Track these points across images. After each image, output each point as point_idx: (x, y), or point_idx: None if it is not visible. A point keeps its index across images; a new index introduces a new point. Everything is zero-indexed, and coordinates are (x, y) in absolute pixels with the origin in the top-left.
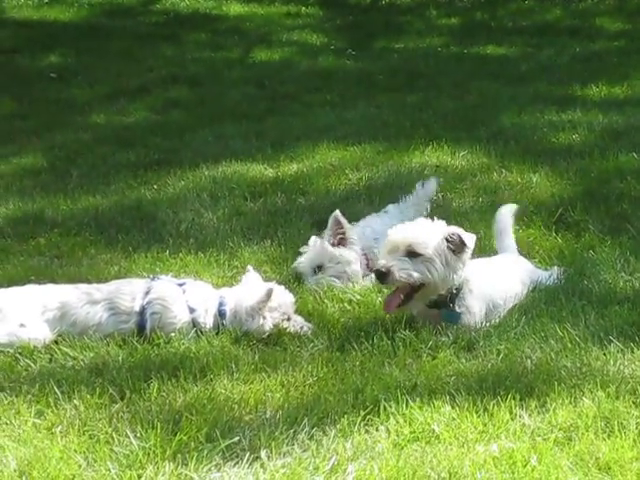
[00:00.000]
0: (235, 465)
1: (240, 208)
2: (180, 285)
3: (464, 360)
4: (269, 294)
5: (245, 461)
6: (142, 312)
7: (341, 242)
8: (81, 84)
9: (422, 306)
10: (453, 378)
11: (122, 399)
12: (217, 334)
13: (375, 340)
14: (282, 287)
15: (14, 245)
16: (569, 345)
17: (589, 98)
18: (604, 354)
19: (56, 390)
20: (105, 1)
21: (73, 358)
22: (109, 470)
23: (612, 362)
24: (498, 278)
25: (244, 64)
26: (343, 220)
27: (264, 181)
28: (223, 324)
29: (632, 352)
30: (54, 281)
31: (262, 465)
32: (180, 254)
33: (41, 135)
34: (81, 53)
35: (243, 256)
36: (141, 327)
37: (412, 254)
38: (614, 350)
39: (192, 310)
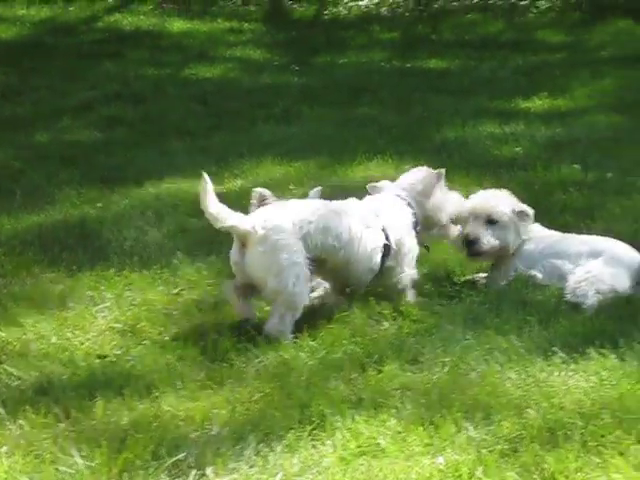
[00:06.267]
0: None
1: (184, 225)
2: None
3: (409, 373)
4: None
5: (191, 478)
6: None
7: None
8: (24, 102)
9: None
10: (399, 391)
11: (67, 418)
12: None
13: (320, 354)
14: None
15: None
16: (514, 357)
17: (531, 110)
18: (548, 365)
19: (1, 410)
20: (48, 19)
21: (18, 378)
22: None
23: (556, 373)
24: None
25: (187, 81)
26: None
27: None
28: None
29: (576, 363)
30: None
31: None
32: (124, 272)
33: None
34: (24, 71)
35: (188, 273)
36: None
37: (491, 221)
38: (558, 361)
39: None
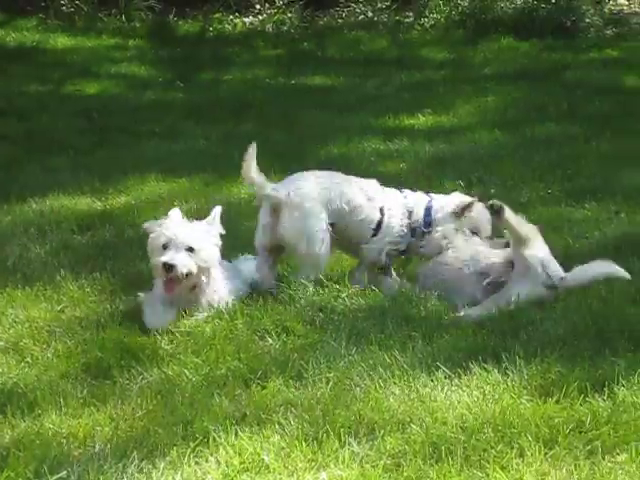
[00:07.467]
0: None
1: (68, 242)
2: None
3: (294, 389)
4: None
5: None
6: None
7: None
8: None
9: None
10: (282, 407)
11: None
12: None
13: (204, 371)
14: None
15: None
16: (397, 372)
17: (415, 127)
18: (432, 380)
19: None
20: None
21: None
22: None
23: (440, 388)
24: None
25: (72, 97)
26: None
27: (92, 214)
28: None
29: (459, 378)
30: None
31: None
32: (7, 289)
33: None
34: None
35: (71, 290)
36: None
37: None
38: (441, 376)
39: None
